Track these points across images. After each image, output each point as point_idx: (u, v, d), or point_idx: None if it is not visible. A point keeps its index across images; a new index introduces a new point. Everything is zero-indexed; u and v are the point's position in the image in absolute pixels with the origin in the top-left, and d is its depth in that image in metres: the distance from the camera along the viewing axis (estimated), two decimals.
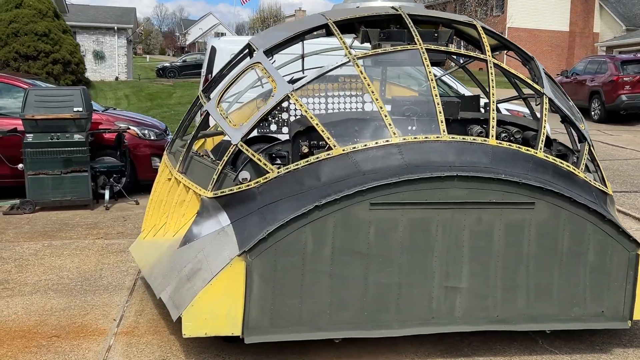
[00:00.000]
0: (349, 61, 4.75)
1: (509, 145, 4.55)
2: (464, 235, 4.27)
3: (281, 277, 4.09)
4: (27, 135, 8.59)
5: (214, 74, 9.19)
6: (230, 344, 4.54)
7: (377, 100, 4.53)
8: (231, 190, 4.60)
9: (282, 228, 4.00)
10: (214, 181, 4.73)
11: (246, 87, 7.94)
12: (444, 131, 4.46)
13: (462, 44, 7.38)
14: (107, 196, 9.01)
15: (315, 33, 5.51)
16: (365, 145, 4.40)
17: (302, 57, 7.26)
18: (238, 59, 6.16)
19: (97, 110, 9.83)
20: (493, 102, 4.65)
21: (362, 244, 4.16)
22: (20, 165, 8.71)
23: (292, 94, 4.67)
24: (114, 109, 10.97)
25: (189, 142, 5.35)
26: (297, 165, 4.43)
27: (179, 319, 4.00)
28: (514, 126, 5.26)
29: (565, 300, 4.45)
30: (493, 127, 4.52)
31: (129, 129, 9.54)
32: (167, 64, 44.67)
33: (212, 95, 5.84)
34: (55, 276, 6.05)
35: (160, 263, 4.81)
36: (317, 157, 4.41)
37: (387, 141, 4.40)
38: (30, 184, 8.65)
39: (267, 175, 4.47)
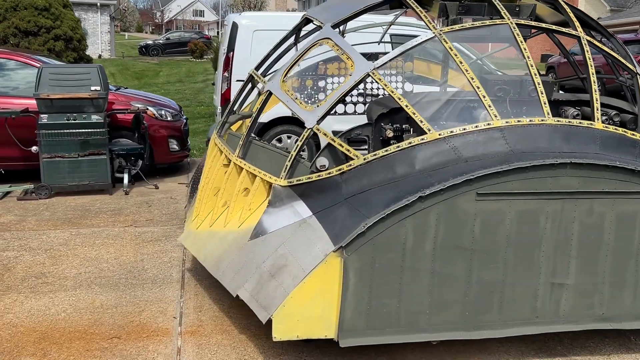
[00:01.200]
0: (434, 36, 4.35)
1: (615, 129, 4.20)
2: (574, 228, 3.93)
3: (379, 274, 3.72)
4: (42, 115, 8.04)
5: (236, 52, 8.79)
6: (309, 345, 4.17)
7: (473, 79, 4.14)
8: (309, 178, 4.20)
9: (382, 221, 3.62)
10: (287, 168, 4.32)
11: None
12: (548, 113, 4.10)
13: None
14: (126, 180, 8.52)
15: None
16: (464, 129, 4.02)
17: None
18: (291, 35, 5.74)
19: (110, 90, 9.29)
20: (594, 82, 4.29)
21: (466, 238, 3.80)
22: (34, 148, 8.18)
23: (373, 73, 4.27)
24: (125, 87, 10.43)
25: (249, 126, 4.91)
26: (386, 151, 4.04)
27: (269, 321, 3.64)
28: (608, 108, 4.91)
29: None
30: (598, 109, 4.17)
31: (147, 109, 9.04)
32: (150, 42, 43.65)
33: (269, 74, 5.44)
34: (95, 268, 5.61)
35: (229, 257, 4.40)
36: (410, 142, 4.02)
37: (488, 124, 4.02)
38: (45, 167, 8.12)
39: (351, 162, 4.08)
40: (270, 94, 4.82)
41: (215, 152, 5.38)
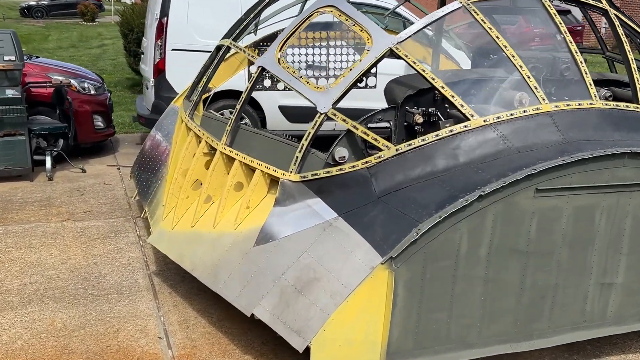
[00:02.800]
0: (460, 7, 3.81)
1: None
2: (626, 223, 3.57)
3: (429, 286, 3.20)
4: None
5: (170, 17, 7.90)
6: None
7: (513, 56, 3.64)
8: (328, 172, 3.59)
9: (436, 226, 3.09)
10: (297, 160, 3.68)
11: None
12: (595, 96, 3.68)
13: None
14: (48, 164, 7.40)
15: None
16: (512, 114, 3.53)
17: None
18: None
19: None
20: (632, 60, 3.91)
21: (522, 240, 3.34)
22: None
23: (397, 48, 3.68)
24: (37, 57, 9.16)
25: (238, 107, 4.19)
26: (423, 140, 3.49)
27: (306, 349, 3.03)
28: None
29: None
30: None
31: (70, 82, 7.94)
32: (33, 3, 40.28)
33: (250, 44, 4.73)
34: (41, 277, 4.71)
35: (229, 265, 3.71)
36: (451, 130, 3.49)
37: (537, 109, 3.55)
38: None
39: (380, 154, 3.50)
40: (262, 70, 4.13)
41: (190, 139, 4.60)
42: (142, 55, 8.92)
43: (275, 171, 3.80)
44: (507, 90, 3.75)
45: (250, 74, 6.67)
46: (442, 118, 3.86)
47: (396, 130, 4.04)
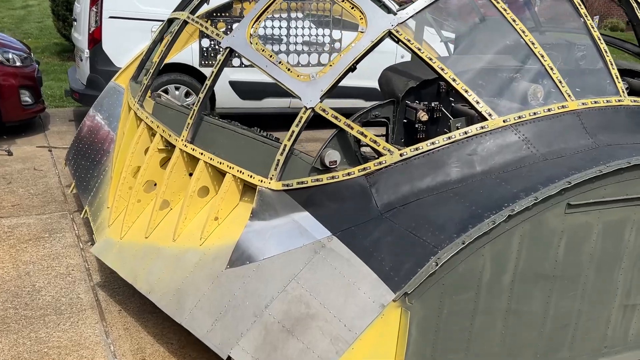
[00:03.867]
0: None
1: None
2: None
3: (446, 324, 2.65)
4: None
5: None
6: None
7: (534, 45, 3.08)
8: (317, 180, 2.97)
9: (458, 253, 2.54)
10: (279, 164, 3.05)
11: None
12: (623, 91, 3.18)
13: None
14: None
15: None
16: (535, 113, 2.98)
17: None
18: None
19: None
20: None
21: (548, 263, 2.83)
22: None
23: (396, 30, 3.07)
24: None
25: (202, 95, 3.48)
26: (433, 143, 2.91)
27: None
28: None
29: None
30: None
31: None
32: None
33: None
34: None
35: (196, 291, 3.05)
36: (465, 132, 2.92)
37: (563, 107, 3.02)
38: None
39: (381, 159, 2.91)
40: (231, 52, 3.44)
41: (141, 131, 3.85)
42: (75, 22, 7.95)
43: (251, 177, 3.14)
44: (525, 83, 3.20)
45: (202, 48, 5.94)
46: (449, 115, 3.28)
47: (395, 129, 3.44)
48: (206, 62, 6.06)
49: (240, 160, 3.26)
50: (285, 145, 3.06)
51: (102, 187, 4.30)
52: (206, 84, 3.47)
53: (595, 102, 3.09)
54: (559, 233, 2.78)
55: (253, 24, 3.41)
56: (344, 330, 2.53)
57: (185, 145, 3.46)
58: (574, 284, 2.94)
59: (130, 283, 3.44)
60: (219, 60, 3.46)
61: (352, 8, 3.19)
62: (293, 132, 3.06)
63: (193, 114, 3.49)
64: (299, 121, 3.05)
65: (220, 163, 3.28)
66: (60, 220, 5.09)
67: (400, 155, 2.89)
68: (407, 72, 3.56)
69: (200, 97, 3.48)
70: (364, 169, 2.91)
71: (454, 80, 2.96)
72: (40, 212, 5.25)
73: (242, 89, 7.57)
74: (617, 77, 3.16)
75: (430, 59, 3.00)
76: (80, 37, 7.40)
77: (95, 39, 7.09)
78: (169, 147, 3.65)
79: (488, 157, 2.88)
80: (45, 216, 5.18)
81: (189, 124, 3.49)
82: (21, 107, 7.23)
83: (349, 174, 2.93)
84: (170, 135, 3.57)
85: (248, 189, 3.27)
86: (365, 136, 2.95)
